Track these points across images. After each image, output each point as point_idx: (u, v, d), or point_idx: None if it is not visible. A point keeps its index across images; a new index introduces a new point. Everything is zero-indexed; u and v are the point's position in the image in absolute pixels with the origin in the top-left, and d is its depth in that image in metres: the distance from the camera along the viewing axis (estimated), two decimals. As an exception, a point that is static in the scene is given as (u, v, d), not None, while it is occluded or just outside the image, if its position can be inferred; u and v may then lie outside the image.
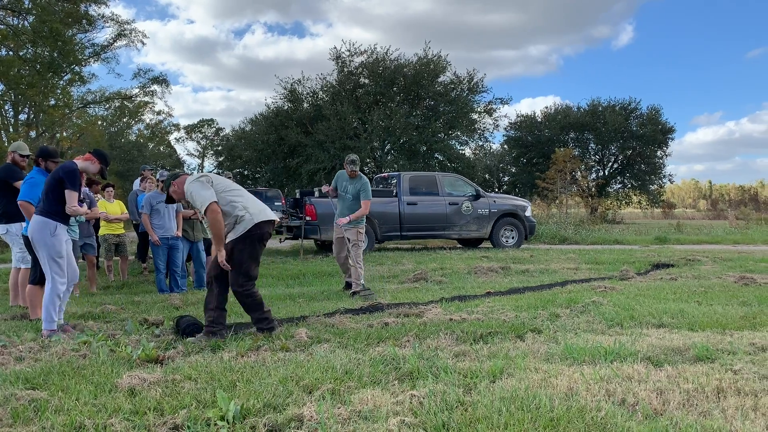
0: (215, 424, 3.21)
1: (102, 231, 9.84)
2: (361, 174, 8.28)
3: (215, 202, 5.40)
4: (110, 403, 3.66)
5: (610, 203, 44.39)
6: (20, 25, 27.23)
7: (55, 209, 5.79)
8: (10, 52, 25.99)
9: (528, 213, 16.85)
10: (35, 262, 6.40)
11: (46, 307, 5.66)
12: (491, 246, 16.35)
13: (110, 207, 9.80)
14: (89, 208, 8.77)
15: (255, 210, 5.60)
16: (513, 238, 16.42)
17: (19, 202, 6.58)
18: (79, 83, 29.66)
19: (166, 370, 4.28)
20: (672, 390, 3.29)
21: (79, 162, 5.92)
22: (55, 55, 27.07)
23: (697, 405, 3.14)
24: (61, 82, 28.42)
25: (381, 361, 4.26)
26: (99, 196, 10.07)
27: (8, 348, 5.00)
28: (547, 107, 58.06)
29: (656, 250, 14.63)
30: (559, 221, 23.89)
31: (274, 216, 5.70)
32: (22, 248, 7.00)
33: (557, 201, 33.53)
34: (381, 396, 3.40)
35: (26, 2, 26.33)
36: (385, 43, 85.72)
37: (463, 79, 34.50)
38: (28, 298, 6.49)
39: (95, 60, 31.49)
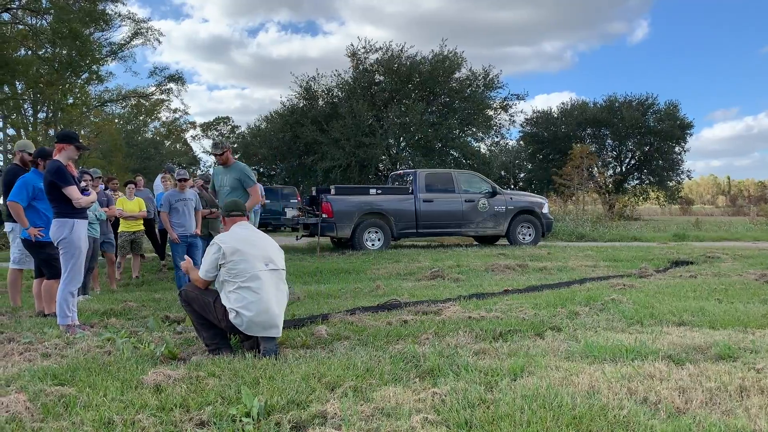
0: (240, 421, 3.21)
1: (120, 228, 9.91)
2: (237, 161, 7.68)
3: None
4: (137, 400, 3.67)
5: (628, 199, 42.92)
6: (39, 25, 27.47)
7: (65, 209, 5.84)
8: (29, 52, 26.25)
9: (545, 210, 16.58)
10: (48, 261, 6.37)
11: (59, 303, 5.69)
12: (508, 243, 16.13)
13: (129, 204, 9.87)
14: (107, 206, 8.87)
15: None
16: (530, 235, 16.17)
17: (8, 203, 6.50)
18: (96, 82, 29.90)
19: (190, 367, 4.28)
20: (694, 388, 3.27)
21: (59, 157, 5.90)
22: (74, 54, 27.31)
23: (720, 404, 3.12)
24: (79, 81, 28.61)
25: (401, 359, 4.23)
26: (120, 193, 10.18)
27: (34, 345, 5.03)
28: (563, 103, 56.55)
29: (675, 247, 14.35)
30: (576, 218, 23.38)
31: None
32: (22, 249, 6.98)
33: (574, 198, 32.61)
34: (403, 393, 3.41)
35: (44, 2, 26.48)
36: (397, 41, 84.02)
37: (479, 75, 33.78)
38: (44, 294, 6.46)
39: (112, 59, 31.67)
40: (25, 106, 27.46)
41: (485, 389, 3.38)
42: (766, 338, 4.39)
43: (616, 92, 50.12)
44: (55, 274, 6.19)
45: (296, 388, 3.66)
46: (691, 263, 10.75)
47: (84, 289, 7.63)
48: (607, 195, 39.42)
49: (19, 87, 26.23)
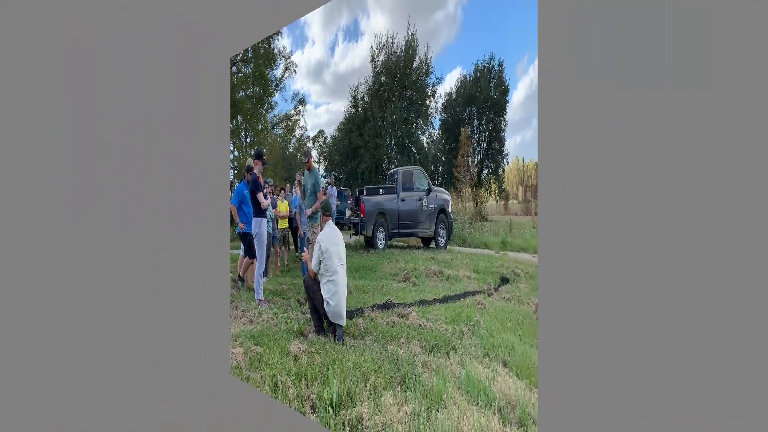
0: (328, 410, 2.47)
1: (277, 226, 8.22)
2: (315, 166, 5.21)
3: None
4: (287, 365, 2.90)
5: (482, 194, 21.91)
6: (246, 71, 24.88)
7: (258, 210, 5.06)
8: (243, 93, 23.70)
9: (449, 208, 8.59)
10: (250, 245, 5.40)
11: (255, 283, 4.90)
12: (434, 246, 8.72)
13: (281, 206, 8.25)
14: (274, 208, 7.64)
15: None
16: (443, 237, 8.42)
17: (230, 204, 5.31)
18: (270, 110, 27.25)
19: (308, 344, 3.56)
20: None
21: (255, 170, 5.00)
22: (260, 90, 24.73)
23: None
24: (263, 111, 26.20)
25: (392, 360, 3.04)
26: (278, 197, 8.60)
27: (246, 312, 4.53)
28: (458, 80, 24.77)
29: (501, 259, 8.76)
30: (462, 219, 11.89)
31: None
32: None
33: (461, 194, 17.96)
34: (393, 403, 2.73)
35: (249, 52, 22.08)
36: (391, 29, 34.51)
37: (423, 61, 18.74)
38: (249, 269, 5.68)
39: (276, 91, 26.91)
40: (242, 134, 25.19)
41: (426, 415, 2.68)
42: (536, 406, 2.89)
43: (480, 56, 16.87)
44: (253, 255, 5.48)
45: (350, 377, 2.74)
46: (508, 281, 6.95)
47: (265, 273, 6.52)
48: (473, 189, 20.05)
49: (239, 120, 23.71)
